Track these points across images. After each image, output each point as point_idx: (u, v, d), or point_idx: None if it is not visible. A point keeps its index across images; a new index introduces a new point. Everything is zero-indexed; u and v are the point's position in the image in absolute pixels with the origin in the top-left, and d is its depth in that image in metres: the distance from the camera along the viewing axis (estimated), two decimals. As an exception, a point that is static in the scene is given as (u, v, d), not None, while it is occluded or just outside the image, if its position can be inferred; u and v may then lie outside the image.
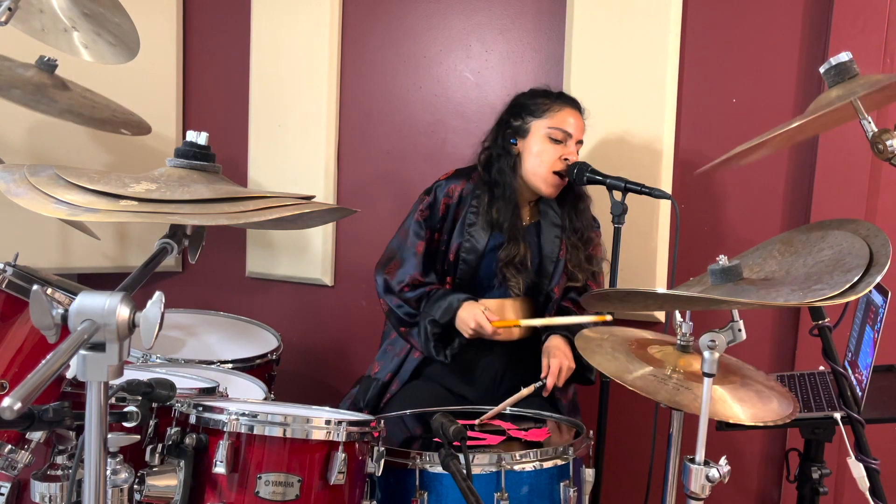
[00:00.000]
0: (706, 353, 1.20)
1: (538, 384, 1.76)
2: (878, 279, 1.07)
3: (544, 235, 1.96)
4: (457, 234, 1.93)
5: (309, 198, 1.12)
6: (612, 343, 1.47)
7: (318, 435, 1.26)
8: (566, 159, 1.88)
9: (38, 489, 1.24)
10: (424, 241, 1.93)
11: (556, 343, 1.87)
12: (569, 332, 1.86)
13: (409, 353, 1.97)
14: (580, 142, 1.93)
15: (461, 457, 1.27)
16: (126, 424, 1.13)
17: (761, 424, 1.29)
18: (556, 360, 1.82)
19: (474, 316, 1.80)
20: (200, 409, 1.28)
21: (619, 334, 1.52)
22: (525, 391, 1.72)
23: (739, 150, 1.26)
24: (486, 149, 1.99)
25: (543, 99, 1.92)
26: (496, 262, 1.91)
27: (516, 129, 1.93)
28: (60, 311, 0.85)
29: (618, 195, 1.92)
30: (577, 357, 1.82)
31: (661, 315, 2.28)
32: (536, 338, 1.94)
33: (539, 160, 1.89)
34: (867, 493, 1.38)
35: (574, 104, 1.94)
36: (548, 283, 1.95)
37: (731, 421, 1.28)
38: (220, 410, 1.26)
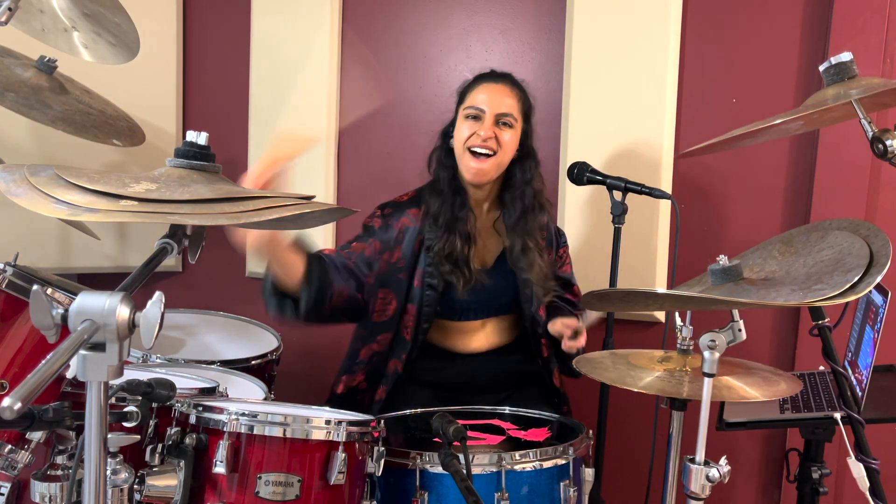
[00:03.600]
0: (706, 353, 1.21)
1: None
2: (878, 279, 1.07)
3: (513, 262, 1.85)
4: (421, 260, 1.82)
5: (309, 198, 1.12)
6: (611, 359, 1.49)
7: (318, 435, 1.26)
8: (479, 134, 1.75)
9: (38, 489, 1.24)
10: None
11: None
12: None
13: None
14: (507, 115, 1.77)
15: (461, 457, 1.27)
16: (126, 424, 1.13)
17: (766, 419, 1.29)
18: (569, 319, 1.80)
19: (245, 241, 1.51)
20: (200, 409, 1.28)
21: (617, 353, 1.55)
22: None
23: (731, 136, 1.26)
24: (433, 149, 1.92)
25: (468, 84, 1.85)
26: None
27: (452, 122, 1.86)
28: (60, 311, 0.85)
29: (618, 195, 1.92)
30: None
31: (661, 315, 2.28)
32: (524, 342, 1.92)
33: (456, 141, 1.81)
34: (867, 493, 1.38)
35: (492, 78, 1.83)
36: (529, 306, 1.86)
37: (747, 400, 1.29)
38: (220, 410, 1.26)
